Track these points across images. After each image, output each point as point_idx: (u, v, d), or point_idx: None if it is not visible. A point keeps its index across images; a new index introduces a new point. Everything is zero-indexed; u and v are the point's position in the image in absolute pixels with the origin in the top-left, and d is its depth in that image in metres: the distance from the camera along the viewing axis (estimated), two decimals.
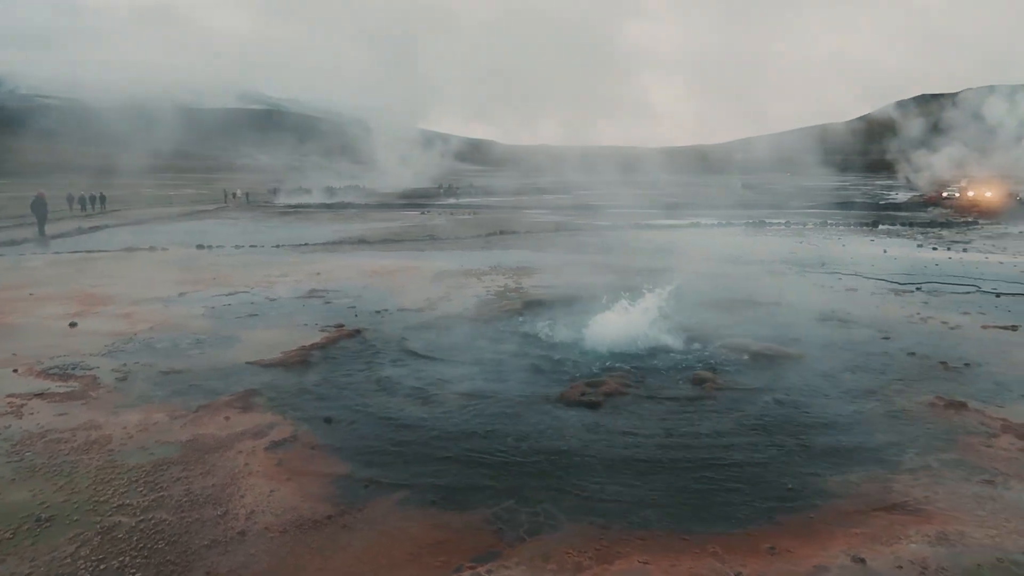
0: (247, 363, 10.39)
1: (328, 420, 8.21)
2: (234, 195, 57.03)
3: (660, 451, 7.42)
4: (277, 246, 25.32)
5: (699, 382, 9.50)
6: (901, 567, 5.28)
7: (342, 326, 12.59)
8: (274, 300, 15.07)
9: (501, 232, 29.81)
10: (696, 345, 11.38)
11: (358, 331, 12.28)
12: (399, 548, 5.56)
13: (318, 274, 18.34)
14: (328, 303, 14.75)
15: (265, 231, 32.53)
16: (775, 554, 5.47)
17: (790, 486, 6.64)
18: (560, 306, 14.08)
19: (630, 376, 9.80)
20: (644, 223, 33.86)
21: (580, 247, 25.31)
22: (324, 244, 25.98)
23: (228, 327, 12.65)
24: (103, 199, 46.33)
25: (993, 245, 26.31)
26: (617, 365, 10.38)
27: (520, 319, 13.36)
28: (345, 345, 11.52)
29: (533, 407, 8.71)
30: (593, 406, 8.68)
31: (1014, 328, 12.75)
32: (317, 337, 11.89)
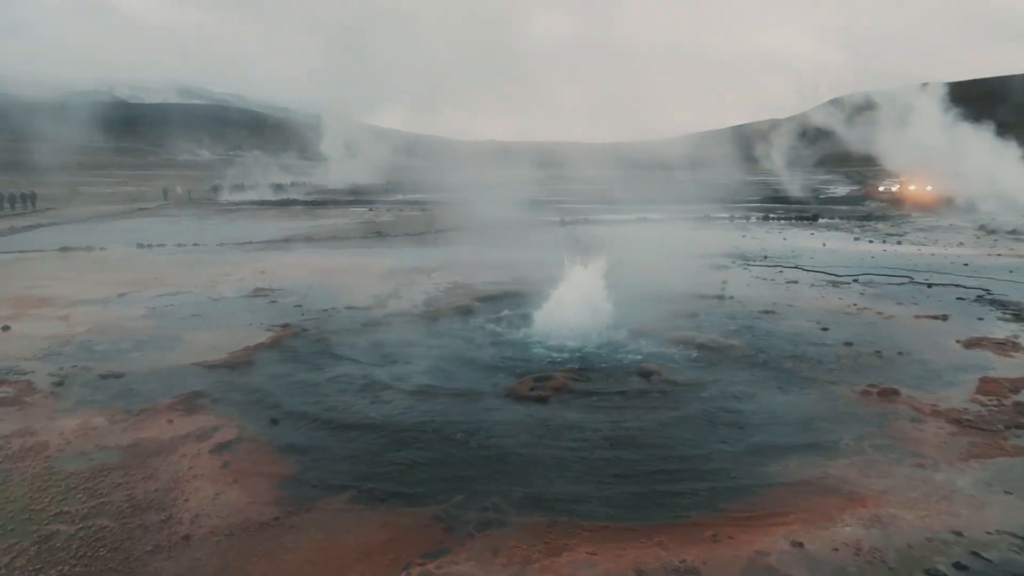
0: (190, 364, 10.19)
1: (275, 421, 8.12)
2: (175, 192, 55.63)
3: (607, 444, 7.54)
4: (221, 244, 24.82)
5: (645, 375, 9.67)
6: (837, 550, 5.48)
7: (288, 325, 12.44)
8: (218, 300, 14.78)
9: (451, 228, 29.75)
10: (642, 339, 11.56)
11: (305, 330, 12.15)
12: (348, 548, 5.55)
13: (263, 273, 18.04)
14: (274, 302, 14.53)
15: (208, 229, 31.81)
16: (718, 541, 5.63)
17: (733, 475, 6.83)
18: (509, 302, 14.16)
19: (578, 370, 9.92)
20: (592, 218, 34.18)
21: (528, 242, 25.41)
22: (270, 242, 25.55)
23: (170, 328, 12.37)
24: (33, 197, 44.60)
25: (925, 237, 27.31)
26: (565, 360, 10.50)
27: (469, 315, 13.38)
28: (292, 345, 11.38)
29: (482, 403, 8.75)
30: (542, 400, 8.77)
31: (944, 317, 13.27)
32: (263, 337, 11.72)
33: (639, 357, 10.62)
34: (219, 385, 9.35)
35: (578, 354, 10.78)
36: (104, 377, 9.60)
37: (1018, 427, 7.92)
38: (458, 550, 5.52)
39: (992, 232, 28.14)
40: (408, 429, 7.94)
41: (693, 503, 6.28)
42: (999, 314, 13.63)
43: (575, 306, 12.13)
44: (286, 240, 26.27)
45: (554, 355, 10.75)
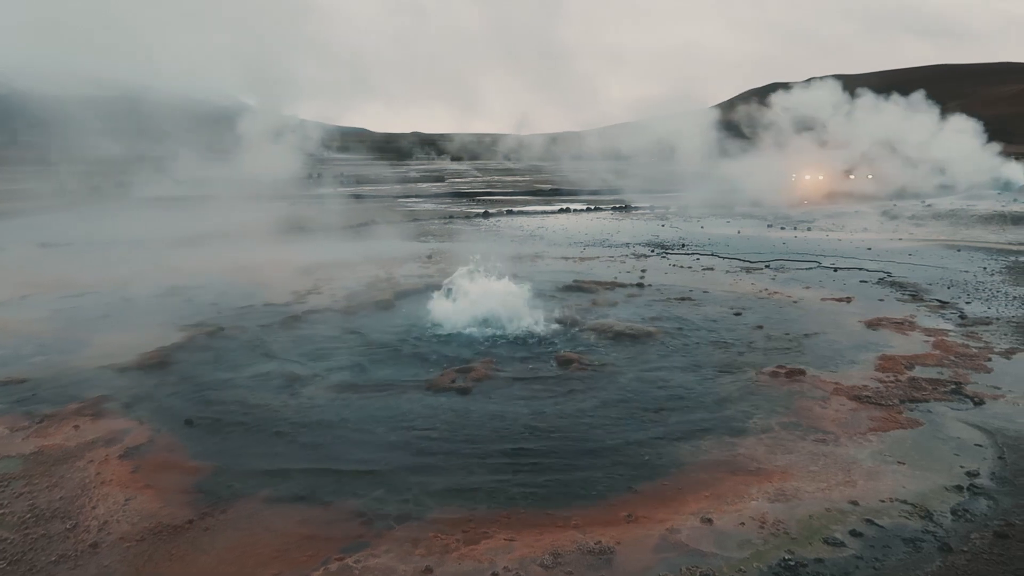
0: (99, 367, 9.81)
1: (189, 422, 7.93)
2: (77, 187, 52.91)
3: (527, 431, 7.66)
4: (132, 242, 23.88)
5: (564, 363, 9.84)
6: (743, 523, 5.74)
7: (204, 324, 12.10)
8: (129, 299, 14.23)
9: (373, 222, 29.40)
10: (562, 327, 11.74)
11: (222, 328, 11.85)
12: (265, 546, 5.49)
13: (177, 270, 17.44)
14: (189, 300, 14.10)
15: (118, 226, 30.54)
16: (632, 521, 5.81)
17: (647, 456, 7.04)
18: (431, 295, 14.11)
19: (499, 360, 10.02)
20: (516, 209, 34.35)
21: (453, 235, 25.40)
22: (185, 238, 24.71)
23: (77, 330, 11.85)
24: None
25: (832, 224, 28.50)
26: (486, 350, 10.57)
27: (391, 309, 13.31)
28: (208, 343, 11.09)
29: (403, 396, 8.75)
30: (463, 392, 8.83)
31: (848, 300, 13.93)
32: (177, 336, 11.38)
33: (559, 346, 10.78)
34: (130, 387, 9.05)
35: (499, 344, 10.88)
36: (3, 384, 9.16)
37: (912, 401, 8.42)
38: (377, 543, 5.53)
39: (894, 218, 29.59)
40: (328, 425, 7.87)
41: (609, 486, 6.45)
42: (898, 295, 14.38)
43: (496, 298, 12.21)
44: (203, 236, 25.46)
45: (475, 346, 10.81)
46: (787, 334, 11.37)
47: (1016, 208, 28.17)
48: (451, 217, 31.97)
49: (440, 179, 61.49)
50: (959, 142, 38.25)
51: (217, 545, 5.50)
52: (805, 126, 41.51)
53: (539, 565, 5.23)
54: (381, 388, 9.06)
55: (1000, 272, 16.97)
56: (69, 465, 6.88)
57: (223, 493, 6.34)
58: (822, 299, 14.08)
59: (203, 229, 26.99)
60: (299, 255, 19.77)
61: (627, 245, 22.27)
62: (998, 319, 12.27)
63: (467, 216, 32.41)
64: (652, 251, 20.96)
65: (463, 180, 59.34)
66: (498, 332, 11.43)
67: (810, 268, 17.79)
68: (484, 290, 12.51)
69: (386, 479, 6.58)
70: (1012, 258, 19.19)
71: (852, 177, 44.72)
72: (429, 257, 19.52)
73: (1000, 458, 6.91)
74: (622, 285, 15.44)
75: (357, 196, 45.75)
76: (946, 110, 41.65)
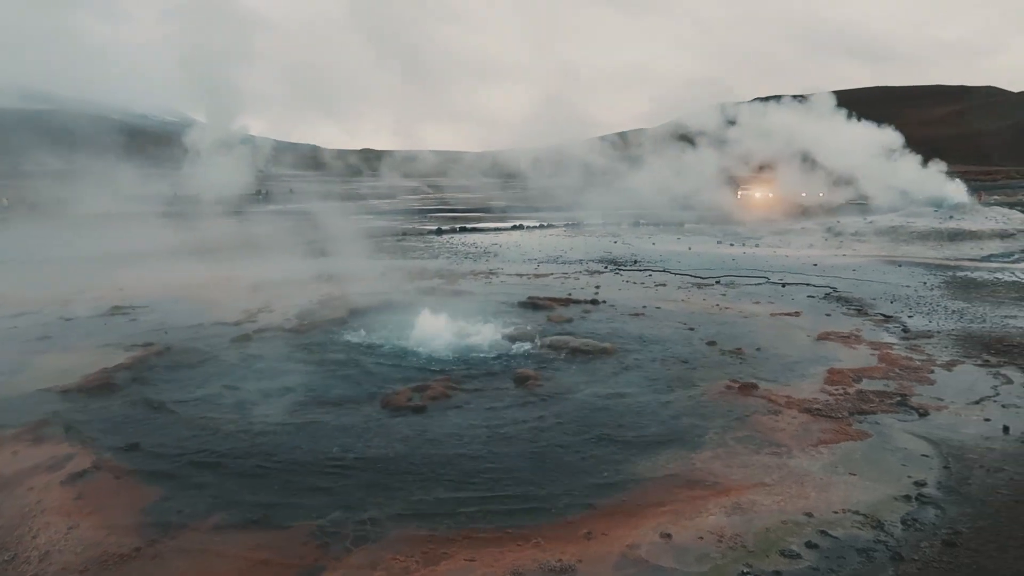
0: (38, 391, 9.44)
1: (135, 446, 7.66)
2: (5, 203, 51.13)
3: (485, 450, 7.60)
4: (74, 259, 23.15)
5: (521, 380, 9.82)
6: (702, 538, 5.78)
7: (151, 344, 11.77)
8: (70, 320, 13.77)
9: (325, 239, 29.04)
10: (518, 345, 11.73)
11: (169, 349, 11.53)
12: (217, 573, 5.32)
13: (122, 289, 16.93)
14: (134, 320, 13.70)
15: (58, 243, 29.57)
16: (592, 538, 5.80)
17: (605, 473, 7.05)
18: (385, 313, 13.99)
19: (455, 378, 9.95)
20: (470, 226, 34.37)
21: (406, 252, 25.29)
22: (129, 256, 24.06)
23: (14, 352, 11.39)
24: None
25: (780, 240, 29.23)
26: (443, 368, 10.50)
27: (344, 327, 13.12)
28: (155, 364, 10.77)
29: (359, 416, 8.62)
30: (419, 410, 8.73)
31: (797, 314, 14.26)
32: (122, 358, 11.03)
33: (515, 363, 10.77)
34: (72, 411, 8.72)
35: (455, 362, 10.82)
36: None
37: (860, 413, 8.62)
38: (334, 566, 5.41)
39: (838, 234, 30.44)
40: (281, 446, 7.70)
41: (569, 503, 6.44)
42: (844, 310, 14.77)
43: (451, 315, 12.16)
44: (148, 254, 24.81)
45: (431, 364, 10.73)
46: (739, 349, 11.55)
47: (952, 225, 29.26)
48: (404, 234, 31.81)
49: (392, 196, 61.16)
50: (907, 164, 39.63)
51: (167, 574, 5.31)
52: (754, 142, 42.37)
53: None
54: (335, 408, 8.91)
55: (939, 287, 17.58)
56: (7, 493, 6.58)
57: (172, 519, 6.14)
58: (771, 314, 14.37)
59: (148, 247, 26.30)
60: (249, 273, 19.42)
61: (581, 262, 22.44)
62: (939, 332, 12.68)
63: (420, 233, 32.29)
64: (605, 267, 21.17)
65: (415, 197, 59.17)
66: (454, 350, 11.37)
67: (759, 284, 18.16)
68: (438, 307, 12.45)
69: (342, 501, 6.45)
70: (950, 273, 19.90)
71: (804, 195, 45.90)
72: (382, 274, 19.35)
73: (945, 467, 7.11)
74: (577, 301, 15.53)
75: (308, 213, 45.18)
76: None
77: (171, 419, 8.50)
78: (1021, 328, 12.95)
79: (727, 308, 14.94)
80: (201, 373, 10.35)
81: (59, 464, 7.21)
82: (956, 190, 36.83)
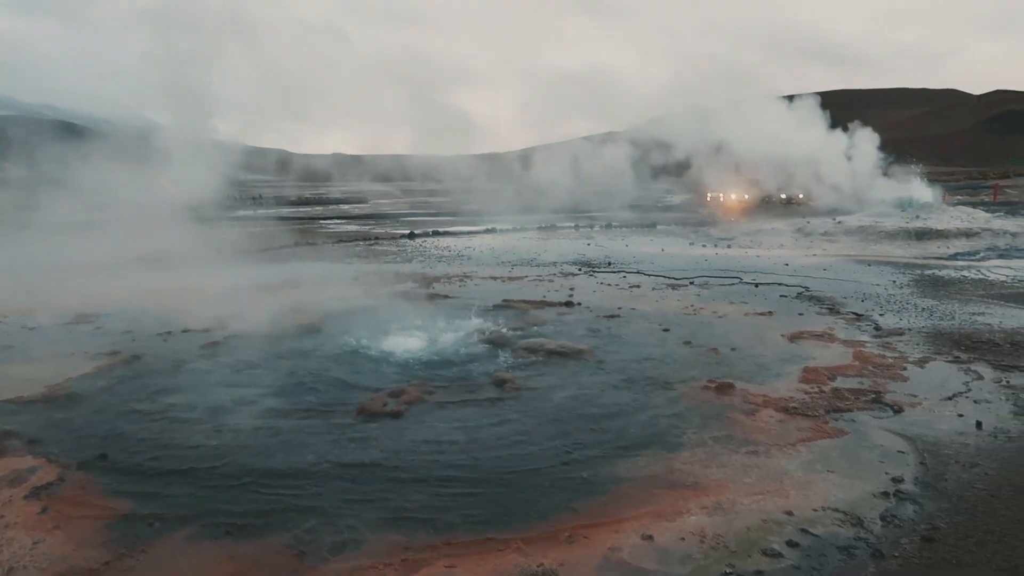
0: (1, 402, 9.15)
1: (103, 457, 7.45)
2: None
3: (463, 455, 7.51)
4: (36, 268, 22.60)
5: (498, 383, 9.74)
6: (684, 539, 5.74)
7: (118, 353, 11.49)
8: (34, 329, 13.41)
9: (295, 244, 28.76)
10: (494, 348, 11.65)
11: (137, 357, 11.27)
12: None
13: (87, 297, 16.55)
14: (100, 328, 13.38)
15: (22, 252, 28.89)
16: (573, 542, 5.73)
17: (585, 475, 7.00)
18: (359, 318, 13.81)
19: (431, 383, 9.83)
20: (442, 230, 34.22)
21: (378, 256, 25.08)
22: (94, 264, 23.54)
23: None
24: None
25: (751, 241, 29.46)
26: (419, 373, 10.38)
27: (317, 333, 12.93)
28: (122, 374, 10.51)
29: (333, 423, 8.47)
30: (396, 416, 8.61)
31: (770, 314, 14.36)
32: (88, 367, 10.76)
33: (492, 366, 10.68)
34: (35, 423, 8.46)
35: (430, 367, 10.70)
36: None
37: (836, 411, 8.66)
38: None
39: (808, 235, 30.76)
40: (255, 455, 7.53)
41: (549, 506, 6.37)
42: (817, 309, 14.90)
43: (425, 318, 12.05)
44: (114, 261, 24.31)
45: (407, 369, 10.60)
46: (714, 349, 11.58)
47: (918, 224, 29.71)
48: (376, 238, 31.58)
49: (363, 200, 60.79)
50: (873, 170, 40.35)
51: None
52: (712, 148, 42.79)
53: None
54: (309, 415, 8.75)
55: (908, 285, 17.83)
56: None
57: (142, 532, 5.96)
58: (745, 314, 14.45)
59: (114, 254, 25.77)
60: (219, 279, 19.12)
61: (554, 264, 22.42)
62: (910, 329, 12.83)
63: (392, 237, 32.07)
64: (579, 270, 21.15)
65: (387, 200, 58.85)
66: (429, 354, 11.25)
67: (732, 284, 18.27)
68: (412, 312, 12.33)
69: (318, 510, 6.32)
70: (918, 271, 20.20)
71: (784, 196, 46.44)
72: (355, 279, 19.15)
73: (922, 463, 7.16)
74: (552, 304, 15.49)
75: (278, 218, 44.71)
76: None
77: (139, 429, 8.28)
78: (989, 325, 13.16)
79: (701, 309, 15.00)
80: (170, 381, 10.12)
81: (22, 477, 6.98)
82: (923, 191, 37.50)
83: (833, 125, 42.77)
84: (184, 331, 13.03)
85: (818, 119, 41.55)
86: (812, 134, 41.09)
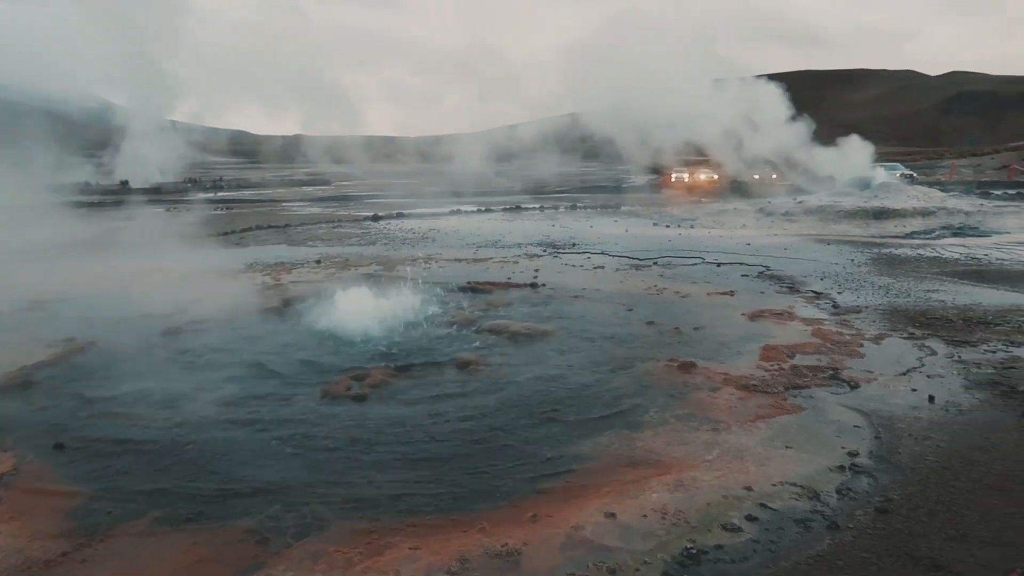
0: None
1: (60, 446, 7.31)
2: None
3: (427, 437, 7.52)
4: None
5: (462, 365, 9.75)
6: (646, 516, 5.83)
7: (74, 339, 11.25)
8: None
9: (257, 227, 28.31)
10: (458, 330, 11.65)
11: (94, 343, 11.04)
12: (149, 574, 5.11)
13: (41, 283, 16.13)
14: (55, 315, 13.06)
15: None
16: (537, 521, 5.79)
17: (549, 455, 7.05)
18: (322, 301, 13.67)
19: (396, 366, 9.80)
20: (406, 212, 33.98)
21: (342, 239, 24.83)
22: (48, 248, 22.94)
23: None
24: None
25: (714, 221, 29.75)
26: (382, 356, 10.33)
27: (280, 317, 12.80)
28: (78, 361, 10.30)
29: (297, 407, 8.41)
30: (360, 399, 8.58)
31: (732, 293, 14.55)
32: (43, 354, 10.51)
33: (456, 348, 10.68)
34: None
35: (395, 349, 10.66)
36: None
37: (795, 388, 8.83)
38: (275, 562, 5.27)
39: (769, 215, 31.17)
40: (216, 440, 7.45)
41: (513, 487, 6.41)
42: (777, 288, 15.14)
43: (390, 301, 11.99)
44: (68, 246, 23.73)
45: (371, 352, 10.55)
46: (677, 328, 11.71)
47: (876, 204, 30.25)
48: (339, 221, 31.23)
49: (326, 182, 60.06)
50: (845, 149, 40.80)
51: None
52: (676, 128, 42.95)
53: (446, 572, 5.12)
54: (272, 399, 8.67)
55: (866, 263, 18.19)
56: None
57: (101, 521, 5.87)
58: (708, 293, 14.62)
59: (70, 238, 25.13)
60: (179, 263, 18.75)
61: (519, 245, 22.42)
62: (867, 307, 13.10)
63: (356, 220, 31.75)
64: (544, 251, 21.18)
65: (350, 182, 58.19)
66: (393, 337, 11.21)
67: (695, 264, 18.46)
68: (376, 294, 12.25)
69: (282, 494, 6.28)
70: (876, 250, 20.62)
71: (757, 177, 46.86)
72: (318, 262, 18.96)
73: (876, 438, 7.35)
74: (516, 285, 15.51)
75: (238, 200, 44.02)
76: (810, 114, 44.13)
77: (98, 417, 8.14)
78: (943, 301, 13.49)
79: (665, 289, 15.14)
80: (129, 368, 9.93)
81: None
82: (881, 171, 38.23)
83: (796, 105, 43.17)
84: (143, 316, 12.77)
85: (780, 101, 41.88)
86: (775, 118, 41.43)
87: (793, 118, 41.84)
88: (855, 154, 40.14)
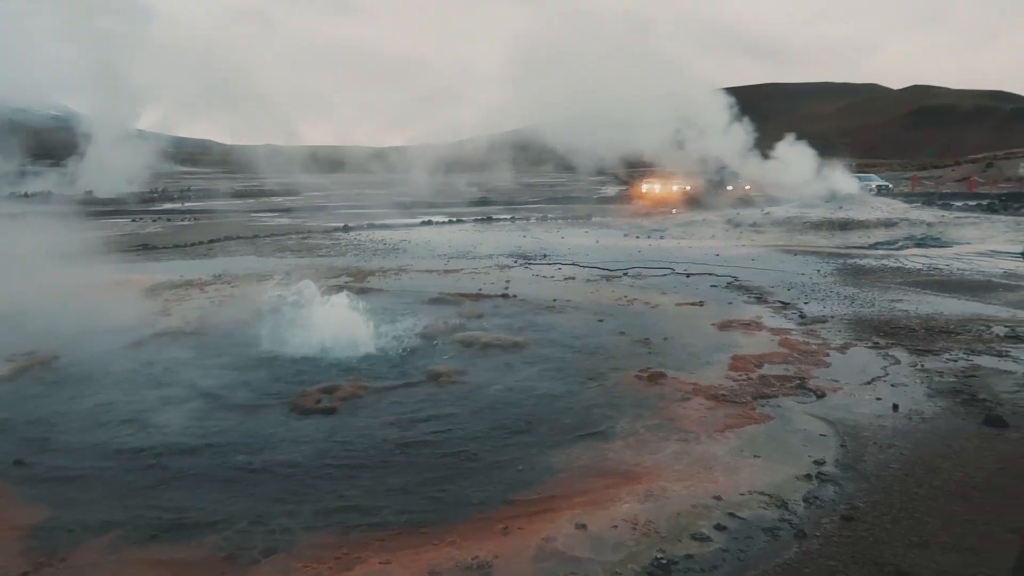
0: None
1: (19, 462, 7.15)
2: None
3: (398, 450, 7.48)
4: None
5: (433, 377, 9.72)
6: (616, 526, 5.85)
7: (34, 353, 11.00)
8: None
9: (226, 238, 27.98)
10: (429, 342, 11.61)
11: (56, 357, 10.80)
12: None
13: (1, 295, 15.74)
14: (16, 328, 12.74)
15: None
16: (508, 533, 5.78)
17: (520, 467, 7.05)
18: (291, 313, 13.54)
19: (365, 377, 9.74)
20: (377, 223, 33.83)
21: (311, 250, 24.65)
22: (7, 259, 22.43)
23: None
24: None
25: (683, 232, 30.07)
26: (352, 368, 10.26)
27: (248, 329, 12.64)
28: (40, 375, 10.08)
29: (265, 421, 8.31)
30: (329, 412, 8.51)
31: (701, 304, 14.69)
32: (3, 368, 10.28)
33: (427, 360, 10.64)
34: None
35: (365, 362, 10.59)
36: None
37: (763, 397, 8.94)
38: None
39: (737, 225, 31.57)
40: (182, 455, 7.33)
41: (484, 499, 6.40)
42: (745, 298, 15.33)
43: (360, 313, 11.91)
44: (29, 257, 23.20)
45: (340, 364, 10.47)
46: (647, 339, 11.79)
47: (842, 215, 30.83)
48: (309, 232, 30.99)
49: (296, 192, 59.55)
50: (807, 162, 41.49)
51: None
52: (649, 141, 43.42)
53: None
54: (240, 413, 8.57)
55: (832, 274, 18.49)
56: None
57: (62, 539, 5.74)
58: (677, 304, 14.75)
59: (28, 251, 24.56)
60: (145, 275, 18.51)
61: (490, 256, 22.43)
62: (832, 317, 13.32)
63: (326, 231, 31.53)
64: (515, 262, 21.21)
65: (320, 193, 57.77)
66: (363, 349, 11.13)
67: (664, 275, 18.62)
68: (346, 307, 12.16)
69: (250, 510, 6.20)
70: (841, 261, 20.97)
71: (730, 188, 47.42)
72: (288, 274, 18.74)
73: (842, 446, 7.46)
74: (488, 296, 15.51)
75: (206, 211, 43.48)
76: (775, 126, 44.92)
77: (59, 432, 7.97)
78: (906, 311, 13.76)
79: (635, 299, 15.24)
80: (93, 382, 9.75)
81: None
82: (847, 182, 38.99)
83: (763, 117, 43.89)
84: (107, 329, 12.53)
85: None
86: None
87: (757, 129, 42.56)
88: (810, 164, 40.93)
